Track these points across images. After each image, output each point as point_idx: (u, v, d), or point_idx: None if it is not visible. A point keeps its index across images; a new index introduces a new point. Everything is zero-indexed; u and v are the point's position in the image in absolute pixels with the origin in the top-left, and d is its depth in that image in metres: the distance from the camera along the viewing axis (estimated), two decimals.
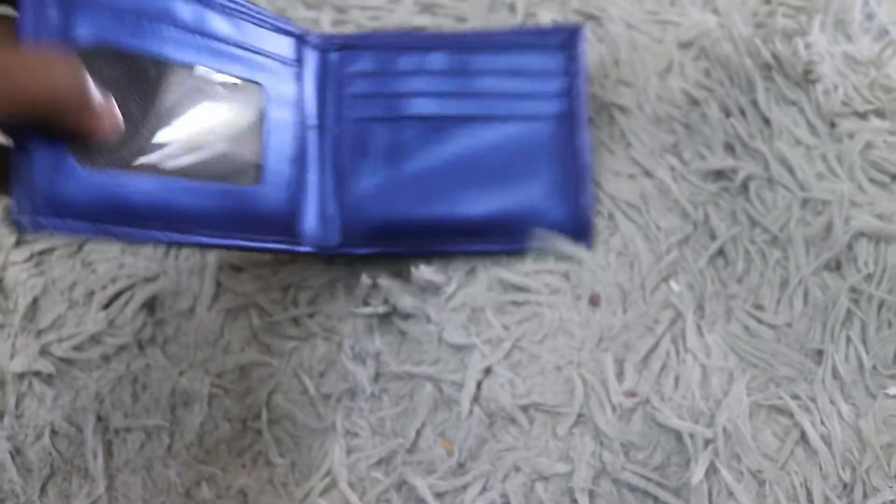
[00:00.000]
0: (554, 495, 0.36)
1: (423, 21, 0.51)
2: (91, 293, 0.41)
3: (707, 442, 0.36)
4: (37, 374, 0.40)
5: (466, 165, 0.41)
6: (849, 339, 0.38)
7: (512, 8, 0.49)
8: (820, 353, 0.38)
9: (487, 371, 0.39)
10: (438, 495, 0.36)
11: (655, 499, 0.35)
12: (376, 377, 0.39)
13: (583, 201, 0.41)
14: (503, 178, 0.41)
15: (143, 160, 0.30)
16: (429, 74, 0.42)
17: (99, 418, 0.38)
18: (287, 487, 0.37)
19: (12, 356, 0.40)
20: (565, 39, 0.44)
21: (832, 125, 0.45)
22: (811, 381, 0.38)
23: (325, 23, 0.51)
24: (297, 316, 0.41)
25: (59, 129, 0.27)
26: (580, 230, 0.41)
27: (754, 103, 0.46)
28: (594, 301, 0.41)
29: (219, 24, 0.34)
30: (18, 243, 0.43)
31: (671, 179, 0.44)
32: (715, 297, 0.40)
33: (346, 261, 0.42)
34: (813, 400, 0.37)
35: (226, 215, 0.33)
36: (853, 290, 0.40)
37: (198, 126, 0.33)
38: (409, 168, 0.41)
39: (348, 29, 0.51)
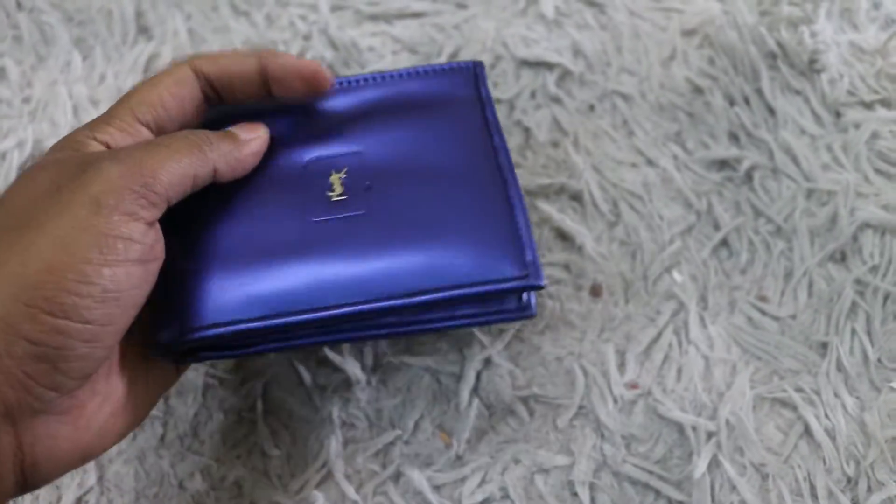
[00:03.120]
0: (554, 488, 0.35)
1: (423, 6, 0.50)
2: None
3: (710, 435, 0.36)
4: None
5: None
6: (854, 332, 0.38)
7: None
8: (824, 345, 0.38)
9: (487, 362, 0.38)
10: (436, 488, 0.35)
11: (657, 492, 0.35)
12: (374, 368, 0.38)
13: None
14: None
15: None
16: None
17: None
18: (282, 479, 0.36)
19: None
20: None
21: (838, 115, 0.44)
22: (815, 374, 0.37)
23: (324, 8, 0.50)
24: None
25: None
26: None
27: (759, 92, 0.45)
28: (596, 291, 0.40)
29: None
30: None
31: (674, 168, 0.43)
32: (718, 288, 0.40)
33: None
34: (817, 393, 0.37)
35: None
36: (858, 281, 0.39)
37: None
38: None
39: (347, 14, 0.50)
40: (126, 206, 0.26)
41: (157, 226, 0.28)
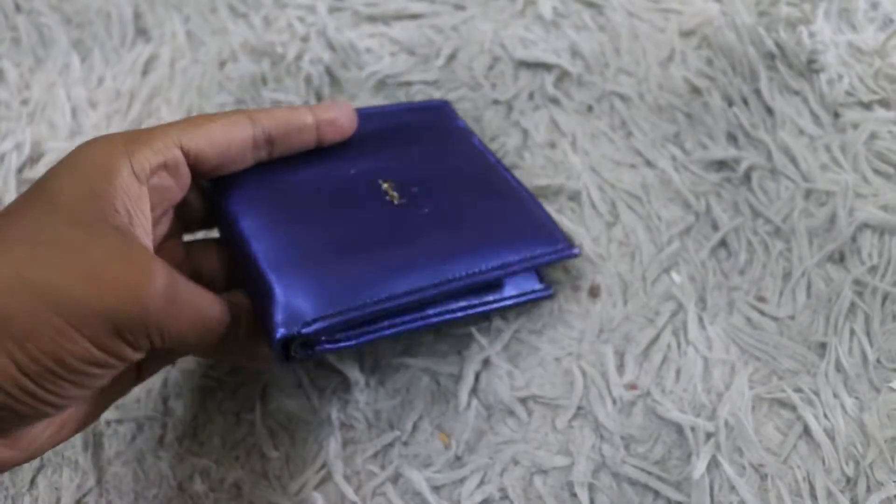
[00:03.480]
0: (553, 489, 0.35)
1: (421, 8, 0.50)
2: None
3: (709, 435, 0.36)
4: None
5: None
6: (852, 332, 0.38)
7: None
8: (823, 345, 0.38)
9: (485, 363, 0.38)
10: (435, 489, 0.35)
11: (656, 493, 0.35)
12: (373, 369, 0.38)
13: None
14: None
15: None
16: None
17: None
18: (281, 480, 0.36)
19: None
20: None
21: (836, 115, 0.44)
22: (814, 375, 0.37)
23: (322, 10, 0.50)
24: None
25: None
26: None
27: (757, 93, 0.45)
28: (594, 292, 0.40)
29: None
30: None
31: (673, 169, 0.43)
32: (717, 289, 0.40)
33: None
34: (816, 393, 0.37)
35: None
36: (857, 282, 0.39)
37: None
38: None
39: (345, 15, 0.50)
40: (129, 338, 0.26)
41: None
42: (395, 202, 0.36)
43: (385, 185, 0.36)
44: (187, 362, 0.39)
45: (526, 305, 0.39)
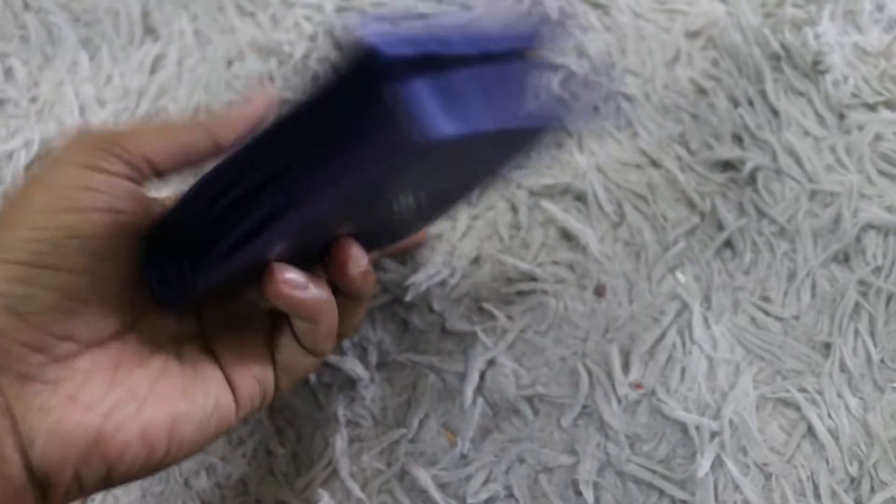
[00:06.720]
0: (558, 487, 0.35)
1: (428, 8, 0.50)
2: None
3: (713, 434, 0.36)
4: None
5: None
6: (857, 332, 0.38)
7: None
8: (828, 345, 0.38)
9: (491, 361, 0.38)
10: (441, 486, 0.36)
11: (661, 491, 0.35)
12: (378, 366, 0.38)
13: None
14: None
15: None
16: None
17: None
18: (288, 477, 0.36)
19: None
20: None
21: (841, 116, 0.44)
22: (818, 375, 0.37)
23: (330, 9, 0.50)
24: None
25: None
26: None
27: (763, 94, 0.45)
28: (600, 291, 0.40)
29: None
30: None
31: (678, 170, 0.43)
32: (722, 289, 0.40)
33: None
34: (820, 393, 0.37)
35: None
36: (861, 282, 0.39)
37: None
38: None
39: (353, 15, 0.50)
40: (86, 159, 0.24)
41: (139, 187, 0.26)
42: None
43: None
44: None
45: (530, 303, 0.40)
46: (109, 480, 0.24)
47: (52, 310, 0.23)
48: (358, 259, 0.29)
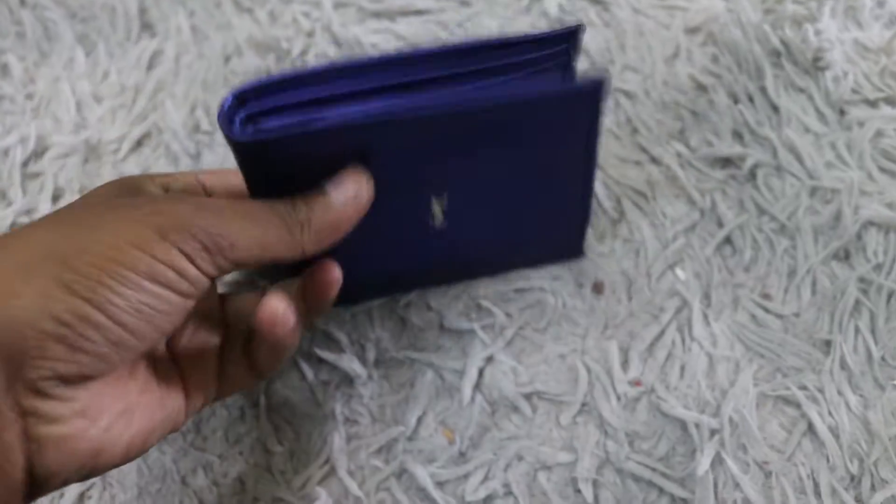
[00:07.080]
0: (557, 485, 0.35)
1: (427, 4, 0.50)
2: None
3: (713, 432, 0.36)
4: None
5: None
6: (857, 330, 0.38)
7: None
8: (828, 343, 0.38)
9: (489, 359, 0.38)
10: (439, 484, 0.35)
11: (660, 489, 0.35)
12: (376, 363, 0.38)
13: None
14: None
15: None
16: None
17: None
18: (285, 475, 0.36)
19: None
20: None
21: (842, 113, 0.44)
22: (819, 372, 0.37)
23: (327, 5, 0.50)
24: None
25: None
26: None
27: (763, 90, 0.45)
28: (598, 288, 0.40)
29: None
30: None
31: (678, 166, 0.43)
32: (722, 286, 0.40)
33: None
34: (821, 391, 0.36)
35: None
36: (862, 279, 0.39)
37: None
38: None
39: (351, 11, 0.50)
40: (187, 249, 0.25)
41: (213, 281, 0.27)
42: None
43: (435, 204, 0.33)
44: None
45: (528, 301, 0.39)
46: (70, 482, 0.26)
47: (99, 356, 0.24)
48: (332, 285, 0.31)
